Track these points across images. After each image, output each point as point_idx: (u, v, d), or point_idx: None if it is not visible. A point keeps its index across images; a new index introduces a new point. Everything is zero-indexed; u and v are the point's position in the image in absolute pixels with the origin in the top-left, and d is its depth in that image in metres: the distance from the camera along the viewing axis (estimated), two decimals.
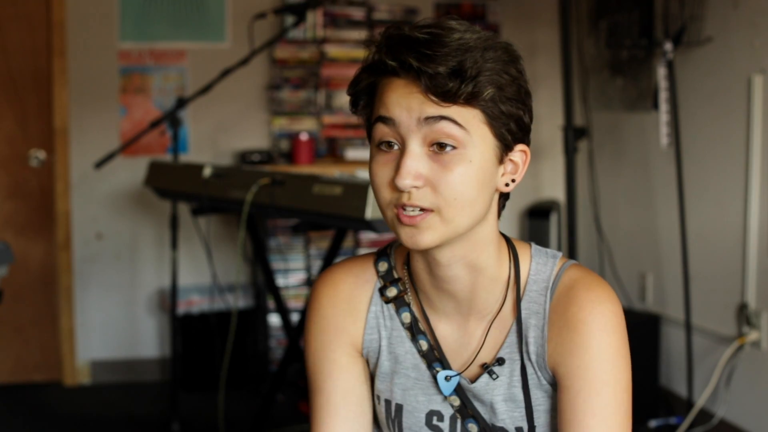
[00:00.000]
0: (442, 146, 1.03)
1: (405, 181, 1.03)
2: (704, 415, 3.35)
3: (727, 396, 3.29)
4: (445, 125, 1.02)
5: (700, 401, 3.33)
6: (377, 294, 1.21)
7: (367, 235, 4.15)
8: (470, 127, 1.03)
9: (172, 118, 3.34)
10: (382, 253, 1.24)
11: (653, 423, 3.42)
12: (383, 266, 1.22)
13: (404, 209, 1.05)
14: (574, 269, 1.15)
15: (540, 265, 1.16)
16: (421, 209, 1.04)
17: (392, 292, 1.20)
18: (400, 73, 1.04)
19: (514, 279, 1.15)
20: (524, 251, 1.18)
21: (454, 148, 1.03)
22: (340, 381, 1.21)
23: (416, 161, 1.03)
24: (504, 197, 1.15)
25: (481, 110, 1.04)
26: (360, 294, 1.22)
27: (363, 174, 2.90)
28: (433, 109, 1.02)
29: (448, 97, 1.01)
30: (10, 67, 4.03)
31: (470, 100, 1.02)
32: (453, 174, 1.03)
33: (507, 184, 1.11)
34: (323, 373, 1.21)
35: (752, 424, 3.18)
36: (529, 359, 1.14)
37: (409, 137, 1.04)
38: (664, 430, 3.41)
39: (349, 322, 1.22)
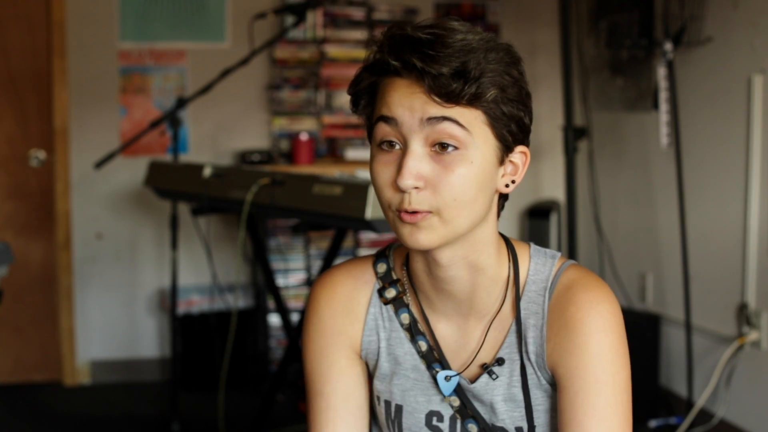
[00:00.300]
0: (444, 146, 1.03)
1: (407, 181, 1.03)
2: (704, 415, 3.35)
3: (727, 396, 3.29)
4: (447, 126, 1.02)
5: (700, 401, 3.33)
6: (376, 295, 1.21)
7: (367, 235, 4.15)
8: (472, 128, 1.03)
9: (172, 118, 3.34)
10: (381, 255, 1.24)
11: (653, 423, 3.42)
12: (382, 267, 1.22)
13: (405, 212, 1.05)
14: (572, 269, 1.15)
15: (539, 265, 1.16)
16: (421, 212, 1.04)
17: (391, 293, 1.20)
18: (402, 73, 1.04)
19: (514, 279, 1.15)
20: (523, 251, 1.18)
21: (456, 148, 1.03)
22: (340, 384, 1.20)
23: (418, 161, 1.03)
24: (503, 198, 1.15)
25: (483, 111, 1.04)
26: (358, 296, 1.22)
27: (363, 174, 2.90)
28: (436, 110, 1.02)
29: (451, 97, 1.01)
30: (10, 67, 4.03)
31: (473, 101, 1.02)
32: (454, 175, 1.03)
33: (507, 185, 1.11)
34: (322, 376, 1.21)
35: (752, 424, 3.18)
36: (529, 359, 1.14)
37: (411, 137, 1.04)
38: (664, 430, 3.41)
39: (347, 324, 1.22)
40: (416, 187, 1.03)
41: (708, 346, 3.40)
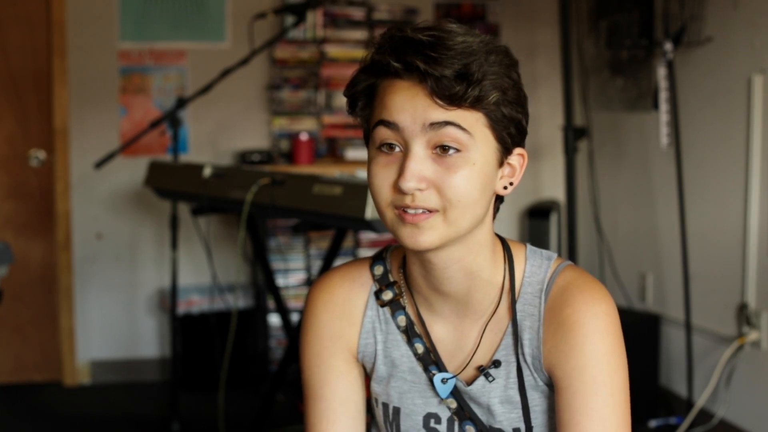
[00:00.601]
0: (445, 149, 1.03)
1: (409, 183, 1.03)
2: (704, 415, 3.35)
3: (727, 396, 3.29)
4: (450, 130, 1.02)
5: (700, 401, 3.33)
6: (373, 298, 1.21)
7: (367, 235, 4.15)
8: (474, 131, 1.03)
9: (172, 118, 3.34)
10: (378, 257, 1.24)
11: (653, 423, 3.42)
12: (379, 270, 1.22)
13: (406, 210, 1.05)
14: (568, 271, 1.15)
15: (535, 267, 1.16)
16: (426, 210, 1.04)
17: (388, 295, 1.20)
18: (403, 75, 1.04)
19: (509, 281, 1.15)
20: (519, 253, 1.18)
21: (457, 150, 1.03)
22: (339, 387, 1.20)
23: (420, 164, 1.03)
24: (499, 200, 1.15)
25: (485, 114, 1.04)
26: (355, 298, 1.22)
27: (363, 174, 2.90)
28: (439, 114, 1.02)
29: (454, 100, 1.01)
30: (10, 67, 4.03)
31: (475, 104, 1.02)
32: (457, 176, 1.03)
33: (505, 188, 1.11)
34: (321, 380, 1.21)
35: (752, 424, 3.18)
36: (525, 361, 1.14)
37: (412, 141, 1.04)
38: (664, 430, 3.41)
39: (345, 327, 1.21)
40: (419, 189, 1.04)
41: (708, 346, 3.40)
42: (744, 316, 3.19)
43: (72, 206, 4.11)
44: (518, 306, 1.15)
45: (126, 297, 4.21)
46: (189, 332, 3.95)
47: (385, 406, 1.21)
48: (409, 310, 1.19)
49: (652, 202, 3.78)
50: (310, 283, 4.09)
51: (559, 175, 4.17)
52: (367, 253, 4.14)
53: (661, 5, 3.57)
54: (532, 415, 1.15)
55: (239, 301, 3.99)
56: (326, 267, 2.87)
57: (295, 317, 3.78)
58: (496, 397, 1.15)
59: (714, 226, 3.37)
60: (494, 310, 1.15)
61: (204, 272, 4.07)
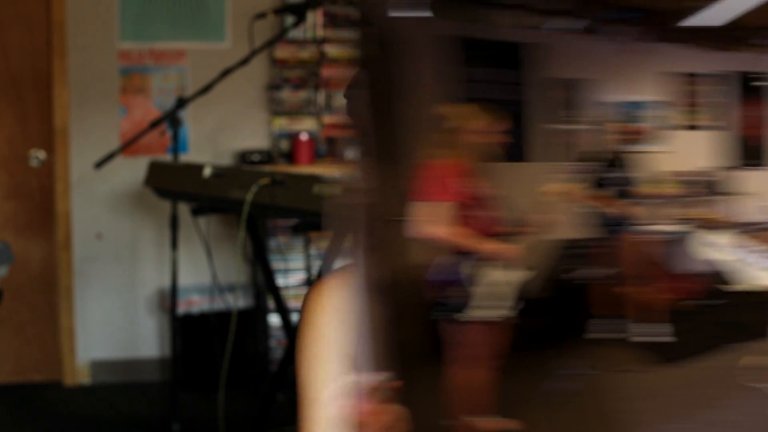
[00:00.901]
0: None
1: None
2: None
3: None
4: None
5: None
6: None
7: None
8: None
9: (172, 118, 3.34)
10: None
11: None
12: None
13: None
14: None
15: None
16: None
17: None
18: None
19: None
20: None
21: None
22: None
23: None
24: None
25: None
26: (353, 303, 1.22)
27: None
28: None
29: None
30: (10, 67, 4.03)
31: None
32: None
33: None
34: (319, 384, 1.21)
35: None
36: None
37: None
38: None
39: (342, 332, 1.21)
40: None
41: None
42: None
43: (72, 206, 4.11)
44: None
45: (126, 297, 4.20)
46: (189, 332, 3.95)
47: None
48: None
49: None
50: (310, 283, 4.09)
51: None
52: None
53: None
54: None
55: (239, 301, 3.99)
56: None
57: (295, 317, 3.78)
58: None
59: None
60: None
61: (204, 272, 4.07)
